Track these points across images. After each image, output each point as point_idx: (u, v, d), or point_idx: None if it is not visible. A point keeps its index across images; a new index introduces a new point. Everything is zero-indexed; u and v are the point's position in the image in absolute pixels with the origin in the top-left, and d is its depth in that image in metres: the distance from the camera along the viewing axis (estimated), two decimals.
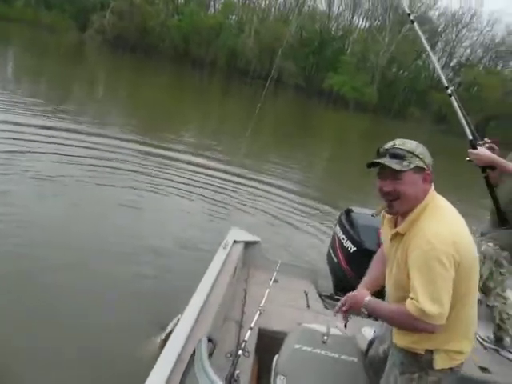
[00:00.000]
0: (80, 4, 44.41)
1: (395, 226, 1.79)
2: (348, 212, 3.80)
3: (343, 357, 2.12)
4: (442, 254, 1.56)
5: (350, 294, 1.87)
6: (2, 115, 8.57)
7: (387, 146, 1.73)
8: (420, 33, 3.40)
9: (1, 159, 6.16)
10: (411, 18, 3.37)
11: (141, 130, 11.02)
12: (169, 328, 3.03)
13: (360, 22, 52.24)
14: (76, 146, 7.71)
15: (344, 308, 1.86)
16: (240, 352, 2.14)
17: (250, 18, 48.50)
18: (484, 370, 2.84)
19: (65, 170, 6.50)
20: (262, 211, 6.62)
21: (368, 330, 3.00)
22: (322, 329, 2.29)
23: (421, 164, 1.68)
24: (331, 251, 3.79)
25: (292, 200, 7.60)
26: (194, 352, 1.23)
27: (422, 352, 1.73)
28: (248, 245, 3.55)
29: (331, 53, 49.14)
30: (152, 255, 4.50)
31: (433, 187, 1.75)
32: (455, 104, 2.88)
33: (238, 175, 8.19)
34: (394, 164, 1.66)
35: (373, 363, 2.15)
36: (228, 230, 3.63)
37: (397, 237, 1.76)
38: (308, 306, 3.19)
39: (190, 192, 6.85)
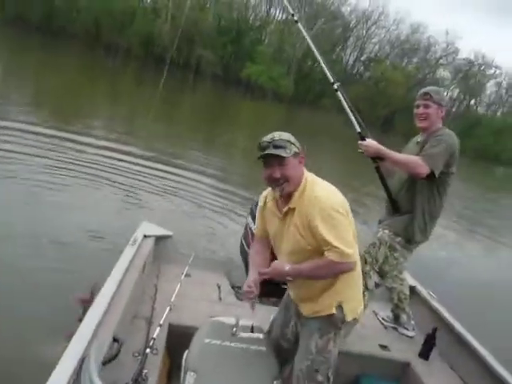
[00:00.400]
0: None
1: (280, 209, 2.06)
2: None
3: (252, 347, 2.15)
4: (337, 205, 1.91)
5: (266, 270, 2.06)
6: None
7: (267, 138, 1.98)
8: (304, 32, 3.49)
9: None
10: (295, 18, 3.50)
11: (45, 117, 10.26)
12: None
13: (277, 14, 53.17)
14: None
15: (266, 277, 2.07)
16: (148, 350, 2.10)
17: (165, 3, 47.12)
18: (384, 347, 3.07)
19: None
20: (177, 201, 6.51)
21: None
22: (232, 321, 2.30)
23: (297, 150, 1.99)
24: (243, 242, 3.82)
25: (207, 190, 7.54)
26: (83, 360, 1.16)
27: (334, 311, 2.02)
28: (159, 239, 3.46)
29: (249, 43, 49.49)
30: (57, 248, 4.25)
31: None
32: (342, 99, 2.99)
33: (151, 164, 7.99)
34: (281, 152, 1.94)
35: (281, 344, 2.29)
36: (138, 223, 3.51)
37: (289, 213, 2.02)
38: (220, 299, 3.20)
39: (100, 181, 6.53)
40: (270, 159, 1.95)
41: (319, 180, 2.05)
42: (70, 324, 2.85)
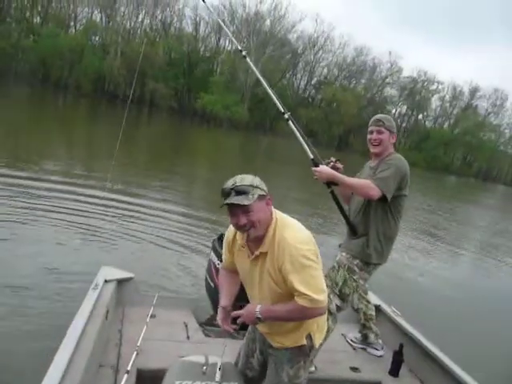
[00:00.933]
0: None
1: (252, 251, 2.01)
2: (220, 237, 3.83)
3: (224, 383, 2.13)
4: (308, 252, 1.88)
5: (238, 312, 2.03)
6: None
7: (229, 184, 1.91)
8: (253, 67, 3.67)
9: None
10: (243, 53, 3.66)
11: None
12: None
13: (227, 44, 54.28)
14: None
15: (238, 321, 2.03)
16: None
17: (114, 39, 47.19)
18: (355, 369, 3.10)
19: None
20: (136, 239, 6.34)
21: None
22: (201, 359, 2.27)
23: (262, 192, 1.92)
24: (208, 277, 3.81)
25: (169, 224, 7.39)
26: None
27: (304, 342, 2.05)
28: (121, 282, 3.38)
29: (201, 73, 50.18)
30: (12, 294, 4.05)
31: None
32: (294, 128, 3.08)
33: (108, 203, 7.67)
34: (243, 200, 1.86)
35: (247, 373, 2.31)
36: (98, 268, 3.43)
37: (260, 257, 1.97)
38: (188, 338, 3.15)
39: (57, 222, 6.33)
40: (234, 207, 1.89)
41: (288, 221, 2.00)
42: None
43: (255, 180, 1.94)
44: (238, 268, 2.15)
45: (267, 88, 3.46)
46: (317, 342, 2.10)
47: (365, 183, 2.76)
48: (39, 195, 7.60)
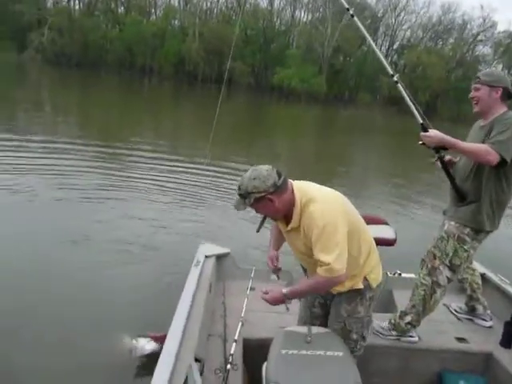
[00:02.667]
0: (14, 23, 42.67)
1: (287, 223, 2.20)
2: None
3: (329, 353, 2.16)
4: (330, 221, 2.03)
5: (267, 295, 2.27)
6: None
7: (238, 185, 2.13)
8: (360, 25, 3.36)
9: None
10: (351, 12, 3.39)
11: (97, 141, 11.25)
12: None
13: (302, 16, 53.08)
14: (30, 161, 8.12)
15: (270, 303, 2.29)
16: (229, 366, 2.17)
17: (192, 21, 48.18)
18: (462, 340, 3.00)
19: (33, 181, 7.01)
20: (227, 216, 6.63)
21: None
22: (304, 329, 2.33)
23: (258, 195, 2.07)
24: None
25: None
26: (187, 378, 1.25)
27: (361, 286, 2.24)
28: (219, 258, 3.55)
29: (277, 48, 49.65)
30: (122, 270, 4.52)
31: (293, 186, 2.15)
32: (402, 91, 2.92)
33: (204, 182, 8.26)
34: (239, 205, 2.13)
35: (314, 323, 2.49)
36: (197, 246, 3.63)
37: (293, 230, 2.18)
38: (287, 309, 3.23)
39: (155, 199, 7.01)
40: None
41: (312, 193, 2.13)
42: None
43: (251, 183, 2.07)
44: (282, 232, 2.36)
45: (376, 50, 3.42)
46: (373, 282, 2.26)
47: (482, 148, 2.52)
48: (139, 167, 8.72)
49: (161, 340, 3.28)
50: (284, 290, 2.20)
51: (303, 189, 2.18)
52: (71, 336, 3.48)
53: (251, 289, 3.29)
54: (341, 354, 2.19)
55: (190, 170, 8.98)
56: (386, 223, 3.06)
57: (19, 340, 3.38)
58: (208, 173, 8.70)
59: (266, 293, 2.27)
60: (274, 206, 2.11)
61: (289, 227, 2.18)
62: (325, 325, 2.45)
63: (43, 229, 5.33)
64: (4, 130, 11.20)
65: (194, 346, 2.25)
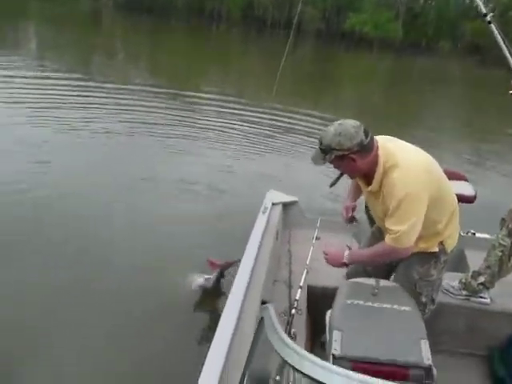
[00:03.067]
0: None
1: (368, 183, 2.11)
2: None
3: (395, 306, 2.13)
4: (413, 191, 1.92)
5: (328, 256, 2.32)
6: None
7: (319, 138, 2.03)
8: None
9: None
10: None
11: (166, 85, 11.83)
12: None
13: None
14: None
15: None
16: (293, 311, 2.21)
17: None
18: None
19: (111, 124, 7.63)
20: (295, 165, 6.62)
21: None
22: (371, 281, 2.31)
23: (339, 153, 1.96)
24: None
25: None
26: (262, 319, 1.29)
27: (436, 249, 2.17)
28: (286, 206, 3.56)
29: None
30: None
31: (380, 147, 2.00)
32: (496, 32, 2.66)
33: (270, 126, 8.33)
34: (318, 159, 2.04)
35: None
36: (264, 192, 3.65)
37: (372, 192, 2.11)
38: None
39: (222, 142, 7.31)
40: None
41: (398, 158, 1.99)
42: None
43: (336, 139, 1.95)
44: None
45: None
46: (448, 247, 2.19)
47: None
48: (206, 112, 9.19)
49: (220, 267, 3.48)
50: (346, 255, 2.20)
51: (390, 151, 2.01)
52: (140, 269, 3.73)
53: (317, 238, 3.28)
54: (408, 308, 2.16)
55: (256, 116, 9.10)
56: (465, 179, 2.89)
57: (88, 264, 3.72)
58: (275, 122, 8.69)
59: (327, 254, 2.30)
60: (355, 166, 2.00)
61: (369, 188, 2.09)
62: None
63: (114, 165, 5.85)
64: (81, 73, 12.00)
65: (261, 290, 2.31)
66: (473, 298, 2.83)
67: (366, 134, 1.96)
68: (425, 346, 1.92)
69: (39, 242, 3.89)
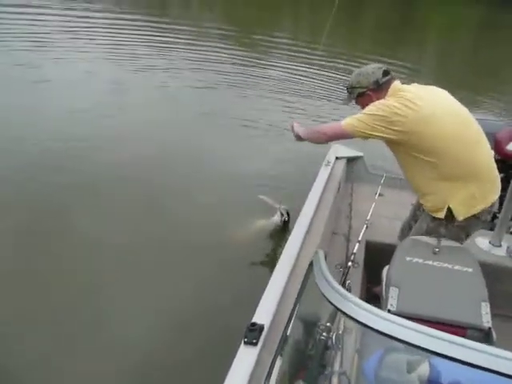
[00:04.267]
0: None
1: None
2: None
3: (457, 267, 2.07)
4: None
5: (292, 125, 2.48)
6: None
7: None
8: None
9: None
10: None
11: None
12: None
13: None
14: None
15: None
16: (350, 263, 2.22)
17: None
18: None
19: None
20: None
21: (481, 240, 2.91)
22: (432, 240, 2.25)
23: (360, 90, 2.20)
24: None
25: None
26: (311, 263, 1.31)
27: (442, 217, 2.17)
28: (350, 160, 3.51)
29: None
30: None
31: (393, 85, 2.14)
32: None
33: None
34: (346, 100, 2.31)
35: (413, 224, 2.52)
36: (329, 146, 3.60)
37: None
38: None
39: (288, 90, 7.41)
40: None
41: (407, 88, 2.11)
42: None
43: (356, 78, 2.21)
44: None
45: None
46: (459, 215, 2.14)
47: None
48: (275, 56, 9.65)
49: None
50: (298, 126, 2.43)
51: (401, 88, 2.13)
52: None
53: (380, 194, 3.22)
54: (470, 270, 2.09)
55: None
56: None
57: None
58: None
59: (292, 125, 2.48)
60: (374, 101, 2.13)
61: None
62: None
63: (183, 105, 6.30)
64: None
65: (318, 240, 2.33)
66: None
67: (385, 74, 2.16)
68: (485, 308, 1.87)
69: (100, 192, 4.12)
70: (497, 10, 30.16)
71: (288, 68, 8.80)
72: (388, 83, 2.15)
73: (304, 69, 8.74)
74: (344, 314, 0.97)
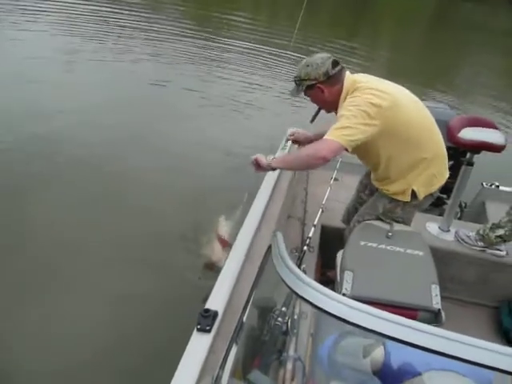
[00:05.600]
0: None
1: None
2: None
3: (409, 251, 2.12)
4: (356, 101, 1.94)
5: (256, 160, 2.15)
6: None
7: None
8: None
9: None
10: None
11: None
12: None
13: None
14: None
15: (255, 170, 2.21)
16: (305, 248, 2.21)
17: None
18: None
19: None
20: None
21: (431, 225, 2.99)
22: (386, 225, 2.29)
23: (309, 82, 2.09)
24: None
25: None
26: (270, 246, 1.27)
27: (408, 199, 2.22)
28: None
29: None
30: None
31: (346, 77, 2.08)
32: None
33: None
34: (294, 92, 2.18)
35: (359, 207, 2.58)
36: (285, 130, 3.56)
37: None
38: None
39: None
40: None
41: (367, 82, 2.04)
42: None
43: (304, 69, 2.09)
44: None
45: None
46: (421, 194, 2.20)
47: None
48: None
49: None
50: (270, 159, 2.12)
51: (356, 79, 2.07)
52: None
53: (335, 179, 3.23)
54: (421, 253, 2.15)
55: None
56: (494, 127, 2.76)
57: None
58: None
59: (254, 160, 2.18)
60: (323, 97, 2.11)
61: (337, 115, 2.08)
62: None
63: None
64: None
65: (273, 225, 2.30)
66: (488, 250, 2.79)
67: (334, 65, 2.07)
68: (435, 290, 1.92)
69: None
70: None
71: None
72: (340, 74, 2.07)
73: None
74: (300, 297, 0.94)
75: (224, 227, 3.35)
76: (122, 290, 2.87)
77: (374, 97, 1.94)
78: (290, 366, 1.44)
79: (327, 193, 2.90)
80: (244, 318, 1.24)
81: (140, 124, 5.02)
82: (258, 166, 2.15)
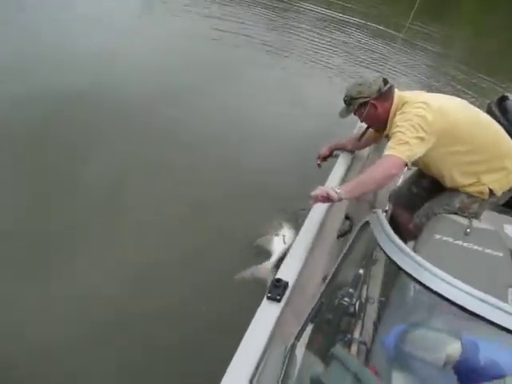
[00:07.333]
0: None
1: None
2: (502, 100, 3.32)
3: (487, 250, 2.02)
4: (406, 116, 1.96)
5: (319, 194, 1.84)
6: None
7: (345, 93, 2.20)
8: None
9: None
10: None
11: None
12: None
13: None
14: None
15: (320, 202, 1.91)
16: None
17: None
18: None
19: None
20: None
21: (510, 228, 2.82)
22: (464, 220, 2.18)
23: (361, 101, 2.13)
24: None
25: None
26: (367, 222, 1.25)
27: (487, 197, 2.17)
28: None
29: None
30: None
31: (395, 94, 2.12)
32: None
33: None
34: (344, 113, 2.21)
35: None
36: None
37: (387, 136, 2.11)
38: None
39: None
40: None
41: (416, 97, 2.06)
42: None
43: (355, 88, 2.13)
44: None
45: None
46: (498, 191, 2.17)
47: None
48: None
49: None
50: (337, 189, 1.83)
51: (404, 95, 2.11)
52: None
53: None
54: (501, 254, 2.03)
55: None
56: None
57: None
58: None
59: (316, 195, 1.88)
60: (377, 113, 2.13)
61: (385, 132, 2.14)
62: (422, 201, 2.37)
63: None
64: None
65: (345, 205, 2.26)
66: None
67: (385, 82, 2.13)
68: None
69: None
70: None
71: None
72: (390, 91, 2.13)
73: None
74: (409, 275, 0.92)
75: None
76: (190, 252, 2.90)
77: (424, 110, 1.95)
78: (354, 348, 1.43)
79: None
80: (323, 297, 1.22)
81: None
82: (326, 199, 1.86)
